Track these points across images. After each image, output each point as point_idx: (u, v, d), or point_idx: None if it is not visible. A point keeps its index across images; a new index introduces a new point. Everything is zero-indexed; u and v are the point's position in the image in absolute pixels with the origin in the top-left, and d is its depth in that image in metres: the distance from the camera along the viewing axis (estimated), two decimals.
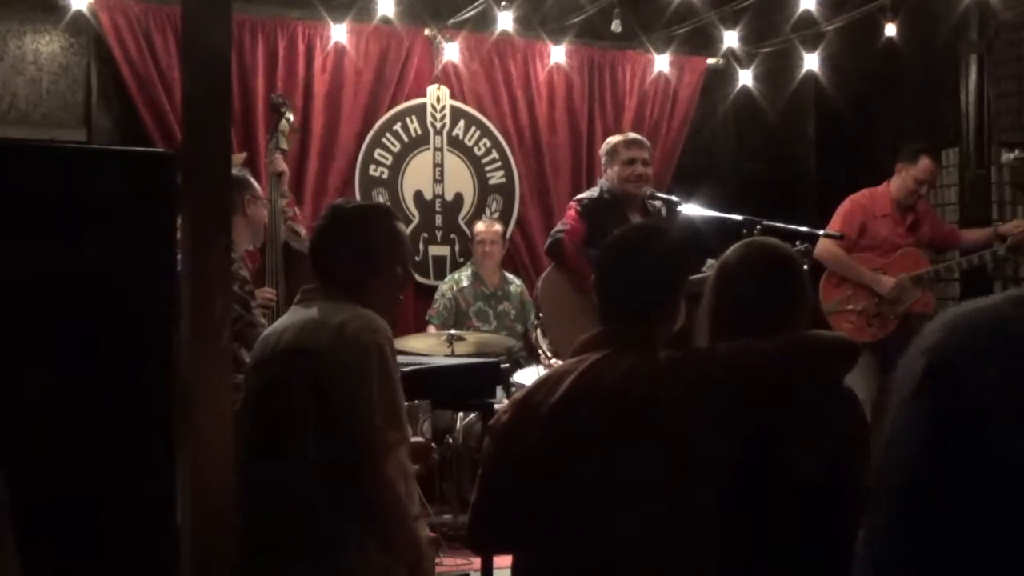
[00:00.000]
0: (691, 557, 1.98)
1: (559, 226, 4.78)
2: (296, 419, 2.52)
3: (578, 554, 2.04)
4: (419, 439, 4.89)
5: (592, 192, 4.82)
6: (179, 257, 2.48)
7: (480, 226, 6.16)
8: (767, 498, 1.99)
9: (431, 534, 4.65)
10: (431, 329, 5.85)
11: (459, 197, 6.53)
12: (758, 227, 4.01)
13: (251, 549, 2.42)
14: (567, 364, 2.18)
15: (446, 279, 6.17)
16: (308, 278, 2.76)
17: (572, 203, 4.84)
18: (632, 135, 4.93)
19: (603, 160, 4.84)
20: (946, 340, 0.76)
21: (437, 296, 6.06)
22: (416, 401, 4.72)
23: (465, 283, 6.06)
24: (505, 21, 6.06)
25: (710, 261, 4.22)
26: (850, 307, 5.44)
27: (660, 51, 6.73)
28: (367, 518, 2.46)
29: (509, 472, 2.14)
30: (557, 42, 6.50)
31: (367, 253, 2.66)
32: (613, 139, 4.88)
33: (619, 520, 2.00)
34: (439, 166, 6.48)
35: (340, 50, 6.04)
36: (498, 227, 6.22)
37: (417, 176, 6.43)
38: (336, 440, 2.46)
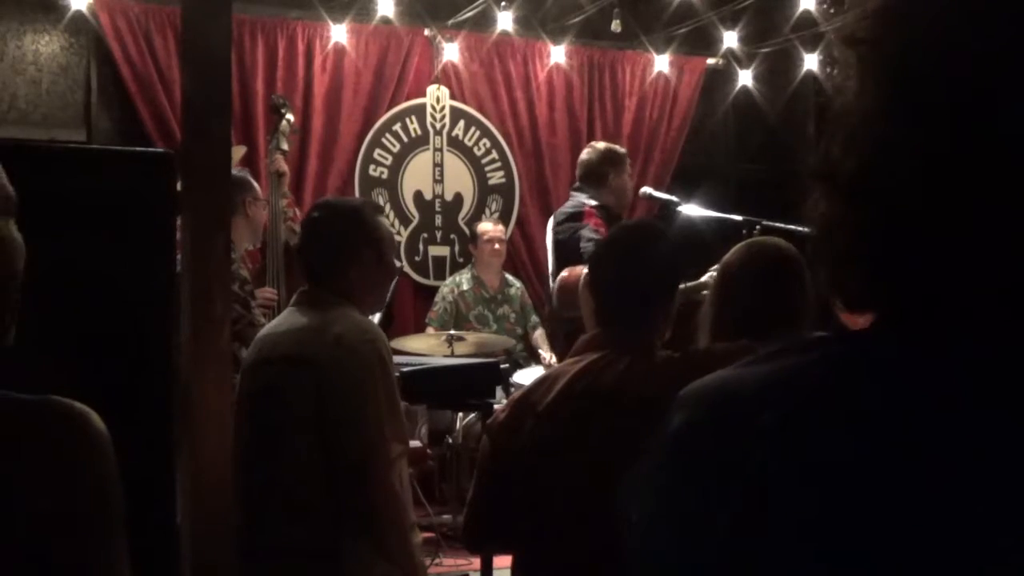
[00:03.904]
0: None
1: (589, 233, 4.69)
2: (294, 428, 2.50)
3: (573, 554, 2.04)
4: (416, 443, 4.94)
5: (593, 200, 4.76)
6: (179, 257, 2.48)
7: (487, 225, 6.13)
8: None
9: (430, 534, 4.69)
10: (430, 331, 5.84)
11: (459, 197, 6.53)
12: (758, 227, 4.00)
13: (248, 552, 2.42)
14: (565, 364, 2.18)
15: (446, 281, 6.15)
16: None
17: (590, 209, 4.75)
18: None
19: (607, 167, 4.78)
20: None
21: (437, 299, 6.04)
22: (413, 406, 4.73)
23: (465, 286, 6.04)
24: (505, 21, 6.07)
25: (711, 271, 4.21)
26: None
27: (660, 51, 6.73)
28: (367, 529, 2.45)
29: (506, 471, 2.14)
30: (557, 42, 6.50)
31: (341, 244, 2.63)
32: (620, 149, 4.88)
33: (614, 519, 1.99)
34: (439, 166, 6.47)
35: (340, 50, 6.04)
36: (503, 227, 6.22)
37: (417, 176, 6.43)
38: (338, 452, 2.44)
